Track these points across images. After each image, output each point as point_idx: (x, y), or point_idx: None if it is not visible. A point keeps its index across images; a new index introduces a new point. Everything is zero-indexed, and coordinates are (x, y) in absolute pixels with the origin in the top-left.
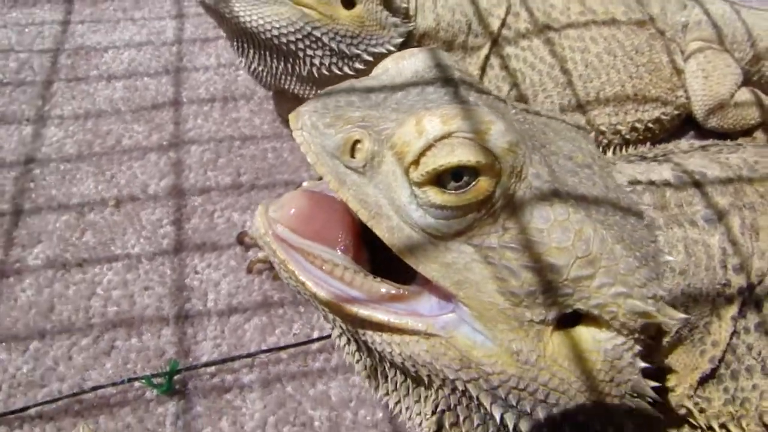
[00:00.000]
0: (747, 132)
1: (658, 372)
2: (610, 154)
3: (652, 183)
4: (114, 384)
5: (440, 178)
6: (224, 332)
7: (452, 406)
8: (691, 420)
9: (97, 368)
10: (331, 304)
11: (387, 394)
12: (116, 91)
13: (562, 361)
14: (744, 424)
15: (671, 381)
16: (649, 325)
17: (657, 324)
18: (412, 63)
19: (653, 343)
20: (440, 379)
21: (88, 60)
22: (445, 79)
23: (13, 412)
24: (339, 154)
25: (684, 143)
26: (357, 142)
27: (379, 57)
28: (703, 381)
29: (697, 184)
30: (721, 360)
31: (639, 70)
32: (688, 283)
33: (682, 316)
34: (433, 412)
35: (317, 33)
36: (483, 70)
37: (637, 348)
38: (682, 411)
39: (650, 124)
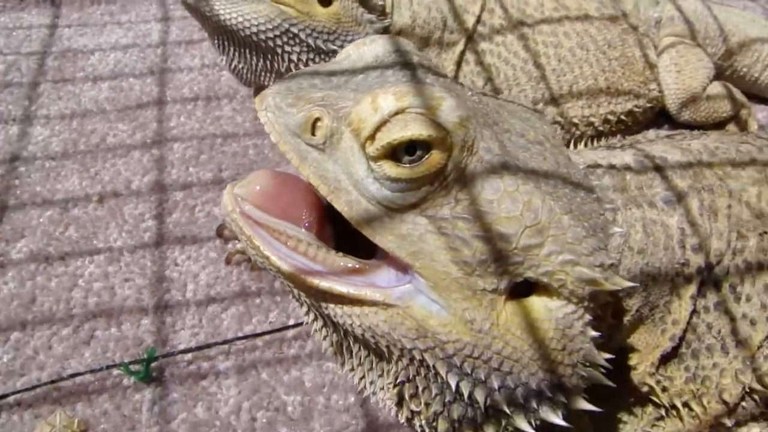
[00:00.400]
0: (719, 125)
1: (620, 351)
2: (582, 145)
3: (612, 167)
4: (92, 371)
5: (395, 152)
6: (202, 321)
7: (411, 376)
8: (653, 398)
9: (76, 357)
10: (294, 277)
11: (352, 369)
12: (102, 91)
13: (515, 330)
14: (705, 402)
15: (633, 359)
16: (599, 294)
17: (609, 296)
18: (373, 49)
19: (614, 323)
20: (398, 349)
21: (75, 62)
22: (404, 63)
23: None
24: (300, 132)
25: (651, 133)
26: (317, 120)
27: None
28: (665, 360)
29: (658, 168)
30: (681, 338)
31: (611, 64)
32: (646, 261)
33: (629, 284)
34: (394, 385)
35: (294, 30)
36: (458, 65)
37: (588, 317)
38: (645, 389)
39: (623, 117)
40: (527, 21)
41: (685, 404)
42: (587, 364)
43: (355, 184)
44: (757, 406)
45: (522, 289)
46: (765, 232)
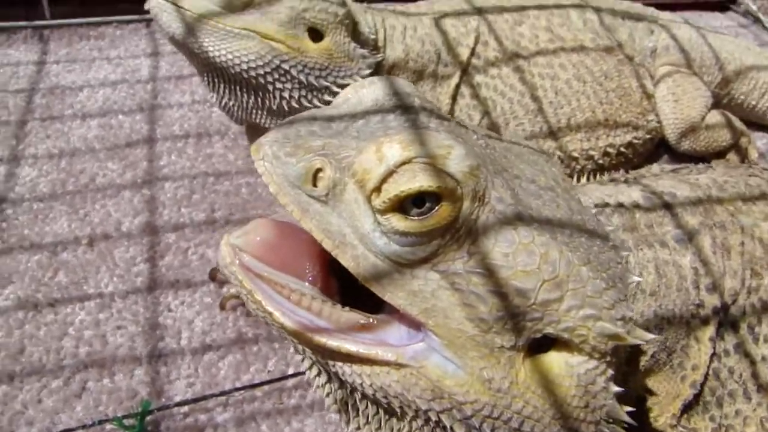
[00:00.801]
0: (720, 154)
1: (638, 400)
2: (584, 180)
3: (620, 205)
4: (84, 427)
5: (403, 205)
6: (198, 371)
7: None
8: None
9: (67, 411)
10: (299, 335)
11: (359, 428)
12: (91, 129)
13: (536, 388)
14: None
15: (653, 411)
16: (620, 348)
17: (628, 347)
18: (372, 91)
19: (629, 369)
20: (413, 410)
21: (63, 99)
22: (405, 107)
23: None
24: (301, 183)
25: (656, 167)
26: (319, 170)
27: None
28: (687, 409)
29: (667, 205)
30: (702, 385)
31: (609, 96)
32: (659, 304)
33: (652, 336)
34: None
35: (285, 66)
36: (454, 99)
37: (610, 372)
38: None
39: (623, 149)
40: (522, 53)
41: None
42: (610, 420)
43: (361, 238)
44: None
45: (540, 345)
46: None
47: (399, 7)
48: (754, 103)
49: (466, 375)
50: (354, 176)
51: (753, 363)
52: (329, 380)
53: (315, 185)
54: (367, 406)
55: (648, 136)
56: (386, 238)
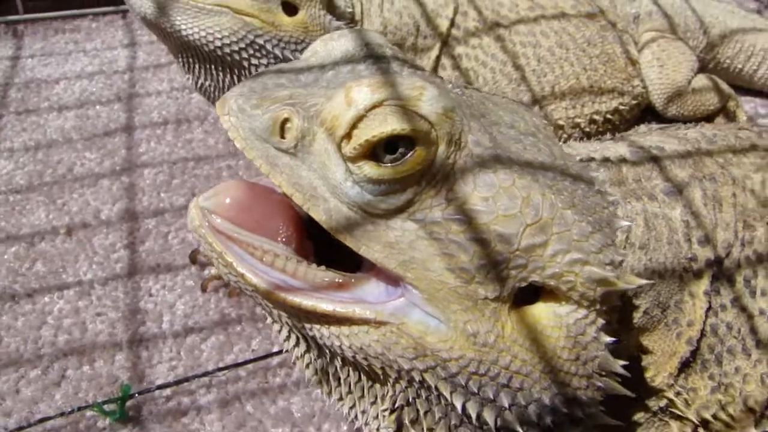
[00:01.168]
0: (708, 119)
1: (633, 361)
2: None
3: (606, 160)
4: (63, 414)
5: (375, 151)
6: (180, 353)
7: (411, 399)
8: (675, 411)
9: (46, 400)
10: (272, 295)
11: (341, 398)
12: (67, 120)
13: (523, 341)
14: (731, 411)
15: (649, 371)
16: (610, 295)
17: (619, 300)
18: (342, 44)
19: (621, 328)
20: (395, 371)
21: (39, 92)
22: (377, 56)
23: None
24: (268, 135)
25: (643, 127)
26: (286, 120)
27: None
28: (685, 368)
29: (655, 159)
30: (699, 341)
31: (593, 62)
32: (650, 257)
33: (643, 281)
34: (392, 411)
35: (260, 41)
36: (435, 71)
37: (601, 321)
38: (663, 403)
39: (609, 115)
40: (503, 22)
41: (715, 417)
42: (603, 373)
43: (332, 189)
44: None
45: (527, 295)
46: None
47: None
48: (740, 66)
49: (449, 330)
50: (323, 124)
51: (751, 317)
52: (308, 349)
53: (283, 137)
54: (348, 374)
55: (634, 102)
56: (358, 187)
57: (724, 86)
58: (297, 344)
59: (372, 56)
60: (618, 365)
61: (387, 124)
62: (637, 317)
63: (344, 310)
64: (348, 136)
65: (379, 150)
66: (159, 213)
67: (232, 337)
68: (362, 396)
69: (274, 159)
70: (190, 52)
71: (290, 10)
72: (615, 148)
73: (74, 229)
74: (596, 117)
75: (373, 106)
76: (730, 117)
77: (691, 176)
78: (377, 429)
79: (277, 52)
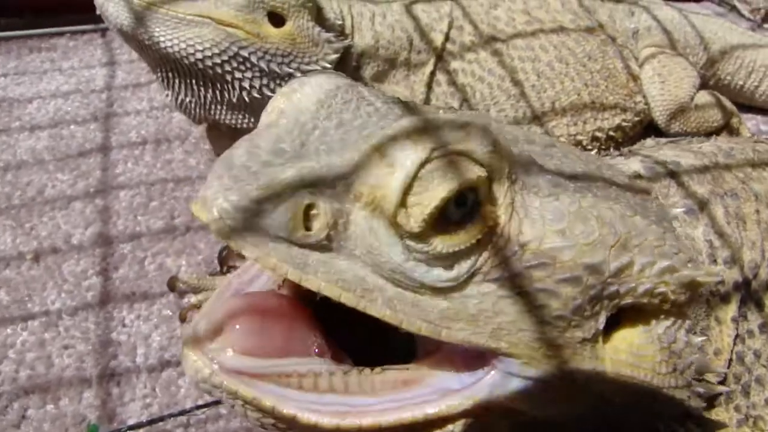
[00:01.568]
0: (710, 136)
1: None
2: None
3: None
4: None
5: (443, 216)
6: (155, 390)
7: None
8: None
9: None
10: (342, 428)
11: None
12: (40, 140)
13: (624, 370)
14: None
15: None
16: (695, 294)
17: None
18: (308, 92)
19: None
20: None
21: (10, 112)
22: (360, 98)
23: None
24: (288, 233)
25: (650, 141)
26: (309, 207)
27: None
28: (709, 399)
29: (672, 174)
30: (725, 373)
31: (594, 77)
32: None
33: (720, 267)
34: None
35: (244, 53)
36: (429, 87)
37: (688, 323)
38: None
39: (611, 132)
40: (500, 36)
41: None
42: (700, 378)
43: (389, 275)
44: None
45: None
46: None
47: None
48: (741, 83)
49: (553, 393)
50: (359, 199)
51: None
52: None
53: (308, 229)
54: None
55: (637, 119)
56: (424, 265)
57: (727, 103)
58: None
59: (353, 100)
60: (715, 364)
61: (451, 179)
62: None
63: (436, 410)
64: (403, 204)
65: (448, 213)
66: (135, 237)
67: None
68: None
69: (303, 259)
70: (169, 66)
71: (277, 21)
72: (627, 164)
73: (42, 255)
74: (598, 134)
75: (424, 162)
76: (734, 134)
77: (711, 192)
78: None
79: (262, 65)
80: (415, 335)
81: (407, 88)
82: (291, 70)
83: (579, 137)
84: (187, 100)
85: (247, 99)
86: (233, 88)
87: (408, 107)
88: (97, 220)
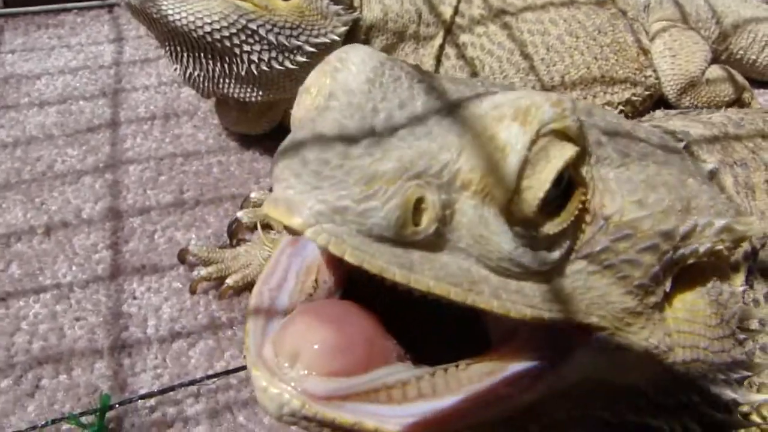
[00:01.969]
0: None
1: None
2: None
3: None
4: (35, 428)
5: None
6: (166, 360)
7: None
8: None
9: (17, 412)
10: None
11: None
12: (49, 116)
13: (683, 327)
14: (765, 413)
15: None
16: (738, 246)
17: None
18: (356, 72)
19: None
20: None
21: (18, 88)
22: (407, 75)
23: None
24: (396, 231)
25: (659, 112)
26: (420, 201)
27: (323, 48)
28: None
29: (688, 153)
30: None
31: (604, 51)
32: None
33: (755, 218)
34: None
35: (253, 26)
36: (438, 60)
37: (728, 272)
38: None
39: (621, 107)
40: (509, 9)
41: (747, 417)
42: (743, 326)
43: (496, 264)
44: None
45: None
46: None
47: None
48: (754, 57)
49: (633, 355)
50: (467, 188)
51: None
52: None
53: (417, 224)
54: None
55: (647, 93)
56: (531, 250)
57: (739, 77)
58: None
59: (407, 76)
60: (757, 309)
61: (556, 159)
62: None
63: (534, 396)
64: (517, 190)
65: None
66: (145, 211)
67: (222, 343)
68: None
69: (407, 258)
70: (177, 40)
71: None
72: None
73: (53, 229)
74: (608, 108)
75: (533, 144)
76: (746, 108)
77: (721, 162)
78: None
79: (271, 38)
80: (487, 323)
81: (416, 61)
82: (299, 43)
83: None
84: (196, 73)
85: (255, 72)
86: (241, 61)
87: (463, 83)
88: (107, 194)
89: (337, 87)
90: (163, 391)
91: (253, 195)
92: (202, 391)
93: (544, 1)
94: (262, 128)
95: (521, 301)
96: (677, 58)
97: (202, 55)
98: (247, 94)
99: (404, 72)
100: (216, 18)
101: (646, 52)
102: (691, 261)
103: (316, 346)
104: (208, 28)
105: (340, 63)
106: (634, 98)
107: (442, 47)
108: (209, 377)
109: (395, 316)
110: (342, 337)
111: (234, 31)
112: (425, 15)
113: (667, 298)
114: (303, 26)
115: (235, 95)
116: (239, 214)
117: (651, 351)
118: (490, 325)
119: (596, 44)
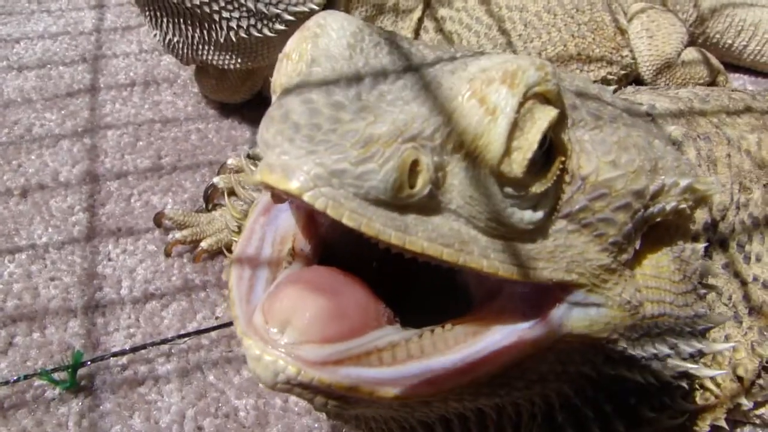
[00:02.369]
0: None
1: None
2: None
3: None
4: (7, 383)
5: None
6: (139, 320)
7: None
8: None
9: None
10: (434, 393)
11: None
12: (28, 80)
13: (650, 283)
14: (719, 380)
15: None
16: (698, 205)
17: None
18: (336, 38)
19: None
20: (569, 383)
21: None
22: (387, 41)
23: None
24: (394, 193)
25: (630, 88)
26: (415, 164)
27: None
28: None
29: (647, 116)
30: None
31: (581, 29)
32: None
33: (714, 178)
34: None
35: None
36: (416, 33)
37: (691, 228)
38: None
39: None
40: None
41: (703, 386)
42: (703, 281)
43: (485, 225)
44: None
45: None
46: None
47: None
48: (730, 42)
49: (609, 310)
50: (458, 150)
51: (744, 284)
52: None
53: (412, 186)
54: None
55: (623, 72)
56: (518, 209)
57: (714, 60)
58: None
59: (380, 42)
60: (714, 265)
61: (541, 120)
62: None
63: (521, 352)
64: (507, 152)
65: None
66: (122, 175)
67: (195, 304)
68: None
69: (402, 221)
70: (157, 5)
71: None
72: None
73: (30, 191)
74: None
75: (521, 104)
76: None
77: (685, 135)
78: None
79: (249, 4)
80: (469, 283)
81: None
82: (278, 11)
83: None
84: (175, 40)
85: (234, 39)
86: (220, 28)
87: (439, 48)
88: (85, 158)
89: (319, 53)
90: (134, 349)
91: (230, 161)
92: (173, 351)
93: None
94: (241, 97)
95: (508, 260)
96: (654, 39)
97: (181, 21)
98: (226, 61)
99: (383, 38)
100: None
101: (623, 32)
102: (658, 219)
103: (308, 313)
104: None
105: (319, 29)
106: (610, 77)
107: (420, 20)
108: (180, 336)
109: (374, 280)
110: (335, 304)
111: None
112: None
113: (636, 255)
114: None
115: (214, 62)
116: (216, 179)
117: (624, 306)
118: (472, 285)
119: (574, 22)
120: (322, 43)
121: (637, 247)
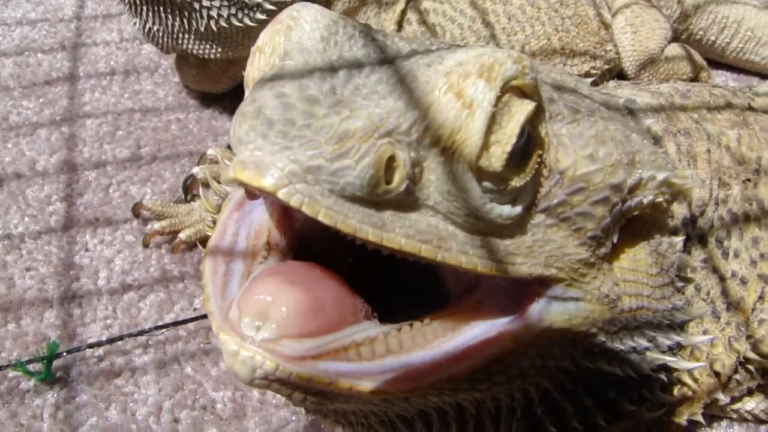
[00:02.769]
0: None
1: None
2: None
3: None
4: None
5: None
6: (116, 312)
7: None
8: None
9: None
10: (413, 389)
11: None
12: (5, 67)
13: (628, 276)
14: (696, 375)
15: None
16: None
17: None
18: (309, 31)
19: None
20: (549, 376)
21: None
22: (361, 33)
23: None
24: (370, 189)
25: (612, 83)
26: (391, 160)
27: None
28: None
29: (627, 111)
30: None
31: (565, 23)
32: None
33: (692, 171)
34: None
35: None
36: (400, 25)
37: (667, 222)
38: None
39: None
40: None
41: (680, 380)
42: (680, 274)
43: (464, 220)
44: (752, 378)
45: None
46: (748, 180)
47: None
48: (713, 38)
49: (587, 304)
50: (436, 145)
51: (722, 279)
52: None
53: (389, 182)
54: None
55: (606, 67)
56: (497, 204)
57: (697, 57)
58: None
59: (353, 35)
60: (691, 259)
61: (518, 114)
62: None
63: (501, 348)
64: (486, 147)
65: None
66: (100, 165)
67: (173, 295)
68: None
69: (379, 217)
70: None
71: None
72: None
73: (5, 180)
74: None
75: (499, 98)
76: None
77: (665, 130)
78: None
79: None
80: (446, 278)
81: (377, 26)
82: (259, 1)
83: None
84: (155, 28)
85: (214, 28)
86: (201, 16)
87: (414, 41)
88: (63, 147)
89: (292, 46)
90: (111, 341)
91: (209, 152)
92: (150, 342)
93: None
94: (222, 87)
95: (487, 255)
96: (638, 34)
97: (161, 9)
98: (206, 51)
99: (357, 30)
100: None
101: (607, 26)
102: (636, 213)
103: (285, 308)
104: None
105: (292, 21)
106: (594, 71)
107: (404, 12)
108: (158, 328)
109: (351, 276)
110: (313, 298)
111: None
112: None
113: (614, 249)
114: None
115: (195, 51)
116: (195, 170)
117: (602, 300)
118: (449, 280)
119: (557, 16)
120: (295, 36)
121: (615, 240)
